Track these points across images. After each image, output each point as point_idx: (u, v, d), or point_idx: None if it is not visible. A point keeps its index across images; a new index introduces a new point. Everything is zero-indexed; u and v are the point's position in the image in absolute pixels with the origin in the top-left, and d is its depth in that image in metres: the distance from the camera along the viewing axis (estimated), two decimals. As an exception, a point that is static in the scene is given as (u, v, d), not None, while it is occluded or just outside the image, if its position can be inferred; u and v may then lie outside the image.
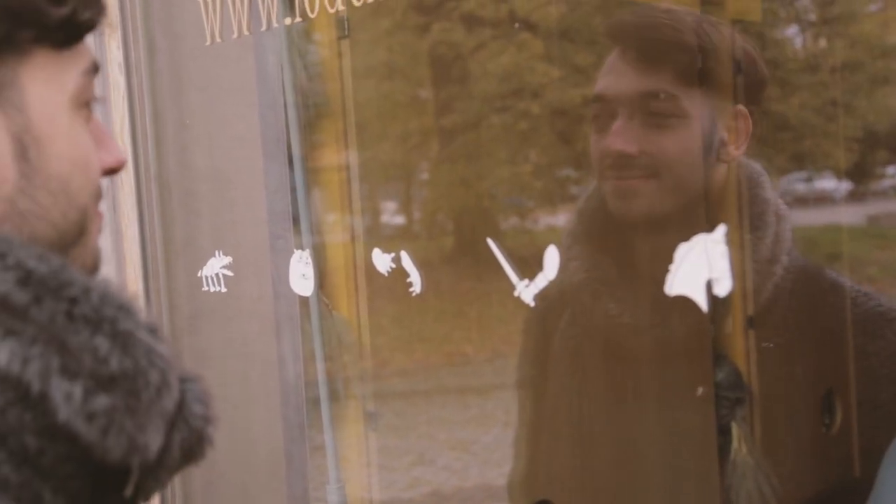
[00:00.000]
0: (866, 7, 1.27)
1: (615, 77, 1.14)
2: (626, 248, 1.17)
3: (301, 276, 1.55)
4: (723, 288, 0.96)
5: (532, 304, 1.16)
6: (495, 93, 1.65)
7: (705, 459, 1.12)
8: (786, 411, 1.14)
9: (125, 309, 0.62)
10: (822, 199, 1.37)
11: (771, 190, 1.11)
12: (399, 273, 1.36)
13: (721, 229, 0.97)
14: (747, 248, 1.12)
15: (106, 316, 0.61)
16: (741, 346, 1.13)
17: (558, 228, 1.28)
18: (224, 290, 1.70)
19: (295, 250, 1.58)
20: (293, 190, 1.72)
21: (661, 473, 1.17)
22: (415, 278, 1.33)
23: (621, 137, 1.11)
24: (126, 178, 1.81)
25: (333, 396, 1.76)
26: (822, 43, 1.35)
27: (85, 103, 0.69)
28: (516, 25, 1.56)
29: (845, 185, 1.23)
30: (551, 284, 1.15)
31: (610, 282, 1.17)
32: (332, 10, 1.36)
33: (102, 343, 0.60)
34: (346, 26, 1.57)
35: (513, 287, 1.19)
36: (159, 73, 1.84)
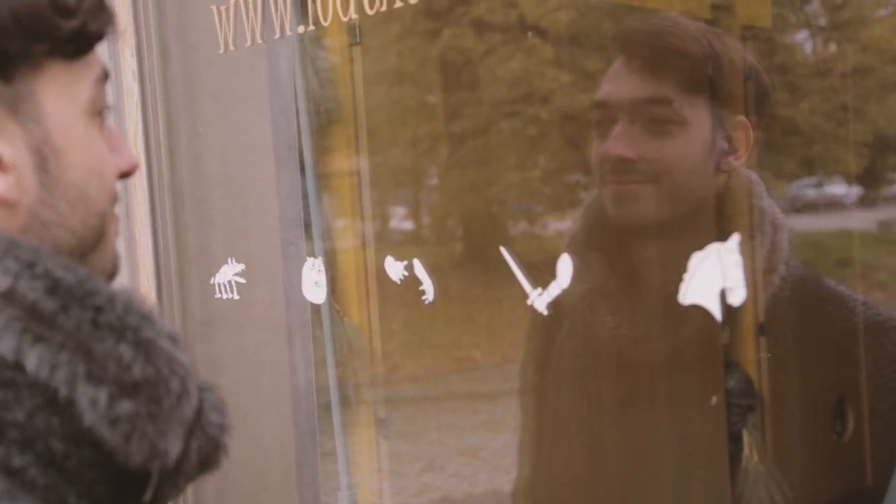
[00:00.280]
0: (877, 12, 1.27)
1: (618, 83, 1.15)
2: (625, 258, 1.18)
3: (314, 283, 1.55)
4: (737, 297, 0.96)
5: (545, 312, 1.17)
6: (505, 98, 1.65)
7: (716, 467, 1.12)
8: (797, 418, 1.14)
9: (147, 318, 0.64)
10: (833, 205, 1.36)
11: (767, 199, 1.11)
12: (410, 279, 1.36)
13: (735, 238, 0.97)
14: (757, 255, 1.13)
15: (129, 324, 0.63)
16: (752, 354, 1.13)
17: (568, 233, 1.28)
18: (236, 297, 1.70)
19: (307, 258, 1.59)
20: (305, 196, 1.73)
21: (672, 481, 1.17)
22: (427, 286, 1.33)
23: (621, 142, 1.11)
24: (139, 185, 1.82)
25: (344, 402, 1.76)
26: (833, 48, 1.34)
27: (98, 111, 0.70)
28: (529, 34, 1.56)
29: (855, 191, 1.23)
30: (563, 293, 1.16)
31: (608, 293, 1.17)
32: (344, 19, 1.36)
33: (126, 351, 0.62)
34: (357, 33, 1.58)
35: (522, 293, 1.19)
36: (173, 82, 1.85)
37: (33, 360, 0.59)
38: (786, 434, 1.14)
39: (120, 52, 1.81)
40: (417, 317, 1.55)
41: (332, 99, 1.75)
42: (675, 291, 1.14)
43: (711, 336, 1.07)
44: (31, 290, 0.60)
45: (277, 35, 1.50)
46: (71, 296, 0.61)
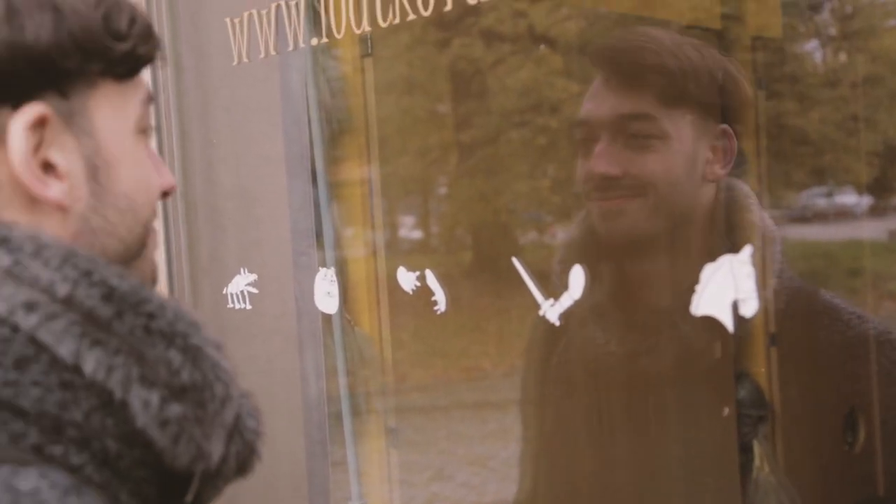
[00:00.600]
0: (887, 21, 1.27)
1: (597, 101, 1.16)
2: (616, 274, 1.18)
3: (326, 293, 1.56)
4: (749, 308, 0.96)
5: (557, 323, 1.17)
6: (514, 108, 1.66)
7: (727, 478, 1.12)
8: (808, 429, 1.14)
9: (195, 325, 0.68)
10: (843, 215, 1.36)
11: (759, 211, 1.11)
12: (421, 289, 1.37)
13: (747, 250, 0.97)
14: (768, 264, 1.13)
15: (179, 331, 0.66)
16: (763, 364, 1.13)
17: (558, 250, 1.29)
18: (249, 307, 1.71)
19: (320, 268, 1.59)
20: (317, 206, 1.73)
21: (683, 492, 1.17)
22: (440, 297, 1.33)
23: (604, 160, 1.12)
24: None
25: (355, 412, 1.76)
26: (843, 58, 1.34)
27: (144, 130, 0.74)
28: (541, 47, 1.57)
29: (866, 200, 1.23)
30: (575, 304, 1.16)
31: (598, 310, 1.17)
32: (358, 31, 1.37)
33: (175, 356, 0.65)
34: (369, 44, 1.59)
35: (531, 302, 1.19)
36: (186, 93, 1.86)
37: (91, 363, 0.62)
38: (797, 445, 1.13)
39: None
40: (427, 326, 1.55)
41: (344, 109, 1.75)
42: (668, 305, 1.14)
43: (722, 347, 1.07)
44: (89, 297, 0.64)
45: (291, 47, 1.51)
46: (125, 303, 0.65)
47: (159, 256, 1.83)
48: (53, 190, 0.68)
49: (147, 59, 0.74)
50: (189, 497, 0.69)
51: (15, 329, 0.62)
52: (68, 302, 0.63)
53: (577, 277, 1.14)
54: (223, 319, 1.79)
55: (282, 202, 1.76)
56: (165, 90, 1.83)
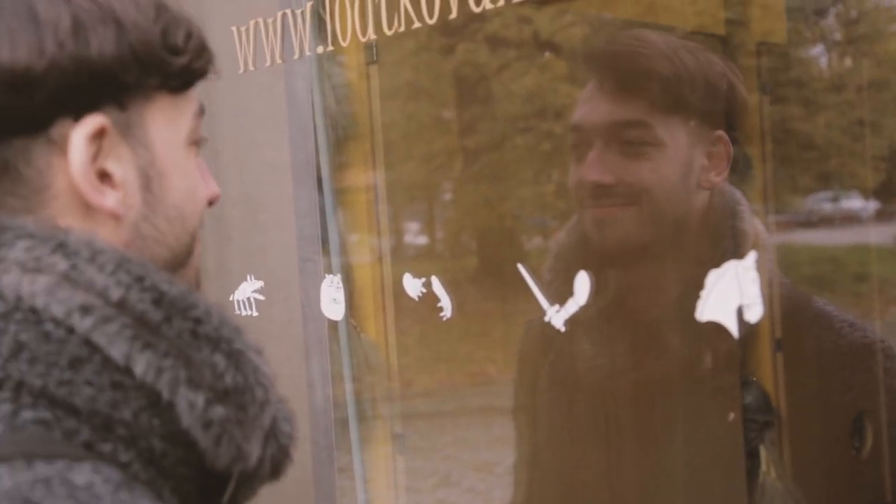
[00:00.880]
0: (892, 26, 1.27)
1: (591, 107, 1.15)
2: (608, 281, 1.17)
3: (332, 300, 1.56)
4: (754, 314, 0.96)
5: (563, 329, 1.17)
6: (519, 113, 1.66)
7: (733, 484, 1.12)
8: (815, 434, 1.14)
9: (238, 331, 0.70)
10: (849, 219, 1.35)
11: (750, 219, 1.10)
12: (426, 295, 1.37)
13: (752, 256, 0.97)
14: (774, 269, 1.12)
15: (223, 336, 0.68)
16: (769, 369, 1.13)
17: (548, 257, 1.28)
18: (255, 314, 1.71)
19: (326, 275, 1.59)
20: (322, 213, 1.74)
21: (689, 498, 1.17)
22: (445, 303, 1.34)
23: (597, 167, 1.11)
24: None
25: (361, 418, 1.76)
26: (848, 62, 1.34)
27: (195, 142, 0.77)
28: (546, 53, 1.57)
29: (873, 205, 1.22)
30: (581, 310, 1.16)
31: (587, 322, 1.17)
32: (363, 39, 1.37)
33: (220, 360, 0.67)
34: (374, 52, 1.59)
35: (536, 308, 1.19)
36: (191, 100, 1.86)
37: (141, 364, 0.65)
38: (803, 450, 1.13)
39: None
40: (432, 332, 1.55)
41: (349, 116, 1.76)
42: (661, 312, 1.14)
43: (727, 353, 1.06)
44: (140, 302, 0.66)
45: (297, 55, 1.51)
46: (174, 308, 0.67)
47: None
48: (109, 199, 0.70)
49: (201, 74, 0.76)
50: (226, 497, 0.71)
51: (70, 331, 0.64)
52: (121, 306, 0.65)
53: (583, 283, 1.13)
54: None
55: (287, 209, 1.77)
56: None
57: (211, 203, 0.81)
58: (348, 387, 1.77)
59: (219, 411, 0.66)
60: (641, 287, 1.17)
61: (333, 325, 1.70)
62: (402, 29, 1.30)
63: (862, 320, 1.11)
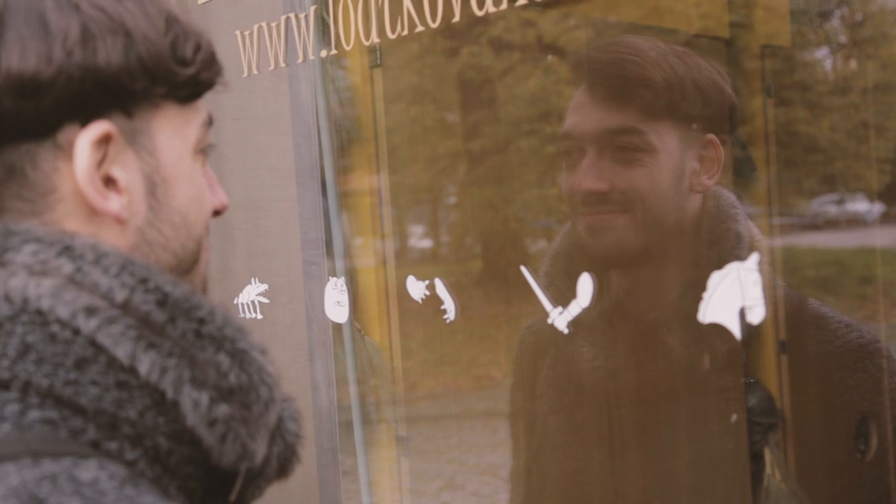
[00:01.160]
0: (897, 29, 1.26)
1: (582, 114, 1.15)
2: (607, 287, 1.17)
3: (336, 303, 1.56)
4: (756, 315, 0.96)
5: (566, 331, 1.17)
6: (523, 117, 1.66)
7: (738, 486, 1.11)
8: (819, 437, 1.13)
9: (242, 330, 0.71)
10: (854, 222, 1.35)
11: (745, 221, 1.10)
12: (430, 298, 1.37)
13: (754, 257, 0.97)
14: (777, 271, 1.12)
15: (227, 336, 0.69)
16: (773, 371, 1.12)
17: (544, 261, 1.28)
18: (259, 317, 1.71)
19: (330, 278, 1.60)
20: (326, 216, 1.74)
21: (693, 500, 1.16)
22: (449, 305, 1.34)
23: (590, 175, 1.11)
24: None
25: (365, 421, 1.76)
26: (853, 65, 1.34)
27: (202, 150, 0.78)
28: (549, 57, 1.57)
29: (877, 208, 1.22)
30: (584, 312, 1.15)
31: (585, 325, 1.17)
32: (366, 42, 1.38)
33: (224, 359, 0.68)
34: (378, 55, 1.60)
35: (541, 310, 1.19)
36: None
37: (146, 364, 0.66)
38: (808, 452, 1.13)
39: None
40: (437, 335, 1.55)
41: (353, 119, 1.76)
42: (656, 316, 1.13)
43: (730, 354, 1.06)
44: (145, 303, 0.67)
45: (300, 59, 1.51)
46: (178, 308, 0.68)
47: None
48: (113, 203, 0.71)
49: (209, 85, 0.78)
50: (232, 496, 0.72)
51: (76, 332, 0.66)
52: (126, 307, 0.67)
53: (586, 285, 1.13)
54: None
55: (291, 212, 1.77)
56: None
57: (218, 212, 0.82)
58: (352, 390, 1.77)
59: (223, 409, 0.67)
60: (639, 290, 1.17)
61: (337, 328, 1.70)
62: (406, 32, 1.30)
63: (859, 321, 1.11)
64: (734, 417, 1.10)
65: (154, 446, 0.66)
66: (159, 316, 0.67)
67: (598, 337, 1.17)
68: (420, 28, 1.28)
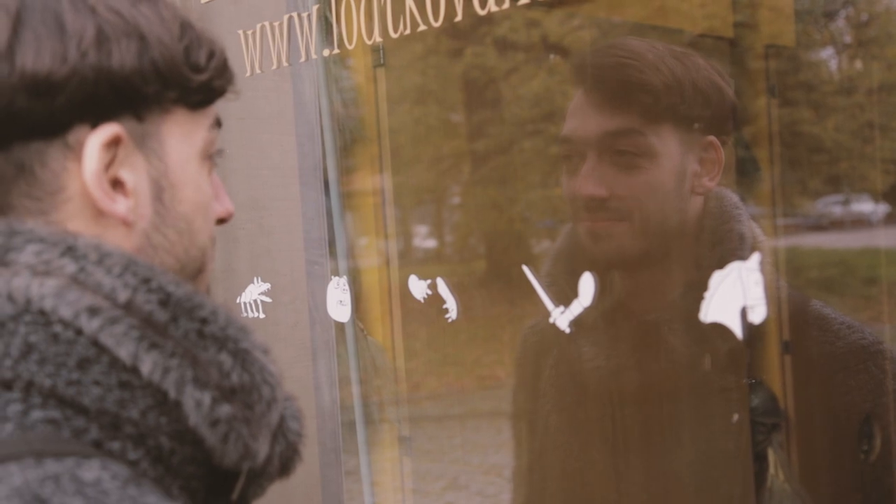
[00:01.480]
0: (902, 29, 1.26)
1: (581, 119, 1.14)
2: (605, 287, 1.17)
3: (338, 302, 1.56)
4: (758, 315, 0.96)
5: (568, 330, 1.17)
6: (527, 117, 1.65)
7: (741, 486, 1.11)
8: (823, 437, 1.13)
9: (244, 330, 0.71)
10: (859, 222, 1.35)
11: (748, 222, 1.10)
12: (433, 297, 1.37)
13: (755, 257, 0.97)
14: (781, 271, 1.12)
15: (230, 335, 0.70)
16: (777, 372, 1.12)
17: (547, 260, 1.28)
18: (262, 316, 1.72)
19: (332, 277, 1.60)
20: (329, 216, 1.74)
21: (697, 501, 1.16)
22: (451, 304, 1.34)
23: (590, 181, 1.11)
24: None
25: (368, 420, 1.76)
26: (858, 65, 1.34)
27: (209, 156, 0.78)
28: (552, 56, 1.57)
29: (882, 208, 1.22)
30: (586, 311, 1.15)
31: (587, 324, 1.17)
32: (369, 42, 1.38)
33: (226, 359, 0.69)
34: (381, 55, 1.60)
35: (544, 311, 1.19)
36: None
37: (148, 364, 0.66)
38: (811, 452, 1.13)
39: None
40: (440, 335, 1.55)
41: (356, 119, 1.76)
42: (658, 317, 1.13)
43: (732, 354, 1.06)
44: (147, 303, 0.68)
45: (303, 58, 1.52)
46: (180, 308, 0.69)
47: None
48: (120, 206, 0.72)
49: (220, 92, 0.78)
50: (234, 495, 0.72)
51: (78, 332, 0.66)
52: (128, 307, 0.67)
53: (587, 284, 1.13)
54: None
55: (294, 212, 1.77)
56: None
57: (223, 220, 0.82)
58: (355, 389, 1.77)
59: (225, 409, 0.67)
60: (641, 290, 1.17)
61: (340, 327, 1.70)
62: (408, 32, 1.30)
63: (861, 323, 1.11)
64: (735, 417, 1.10)
65: (156, 446, 0.67)
66: (162, 316, 0.68)
67: (600, 336, 1.17)
68: (423, 27, 1.28)
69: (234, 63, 1.80)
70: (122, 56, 0.70)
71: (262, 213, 1.86)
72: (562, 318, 1.17)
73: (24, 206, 0.71)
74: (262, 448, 0.70)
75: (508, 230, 1.76)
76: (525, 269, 1.22)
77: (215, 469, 0.70)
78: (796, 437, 1.13)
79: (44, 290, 0.66)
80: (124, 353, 0.66)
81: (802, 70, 1.31)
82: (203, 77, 0.74)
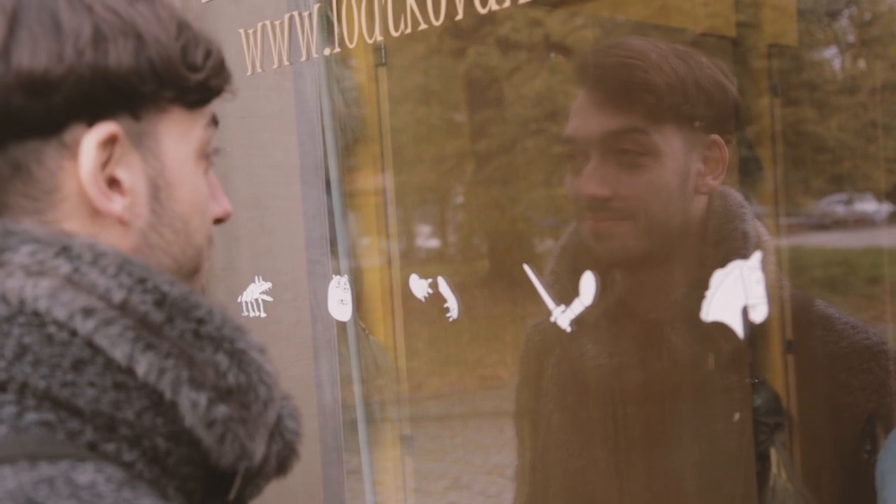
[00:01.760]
0: (906, 28, 1.26)
1: (584, 118, 1.14)
2: (611, 286, 1.17)
3: (339, 301, 1.57)
4: (759, 314, 0.95)
5: (569, 329, 1.16)
6: (530, 116, 1.65)
7: (744, 486, 1.11)
8: (825, 437, 1.13)
9: (240, 330, 0.71)
10: (862, 222, 1.35)
11: (752, 221, 1.10)
12: (435, 297, 1.37)
13: (757, 256, 0.97)
14: (785, 270, 1.12)
15: (226, 336, 0.69)
16: (780, 371, 1.12)
17: (550, 258, 1.28)
18: (263, 315, 1.72)
19: (333, 276, 1.60)
20: (330, 215, 1.74)
21: (699, 500, 1.16)
22: (452, 304, 1.34)
23: (594, 180, 1.11)
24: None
25: (370, 420, 1.76)
26: (861, 64, 1.34)
27: (206, 155, 0.78)
28: (553, 55, 1.57)
29: (886, 207, 1.22)
30: (587, 310, 1.15)
31: (589, 323, 1.16)
32: (370, 41, 1.38)
33: (223, 359, 0.68)
34: (383, 54, 1.60)
35: (547, 311, 1.19)
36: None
37: (144, 365, 0.65)
38: (814, 452, 1.13)
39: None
40: (442, 334, 1.55)
41: (358, 118, 1.77)
42: (661, 316, 1.13)
43: (734, 353, 1.06)
44: (142, 303, 0.67)
45: (304, 57, 1.52)
46: (176, 308, 0.68)
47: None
48: (116, 205, 0.71)
49: (217, 92, 0.78)
50: (231, 495, 0.72)
51: (73, 333, 0.65)
52: (123, 308, 0.66)
53: (588, 283, 1.13)
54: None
55: (296, 211, 1.77)
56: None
57: (221, 220, 0.81)
58: (357, 388, 1.77)
59: (222, 410, 0.67)
60: (644, 289, 1.17)
61: (342, 326, 1.70)
62: (409, 31, 1.30)
63: (865, 323, 1.10)
64: (738, 416, 1.10)
65: (152, 447, 0.66)
66: (157, 316, 0.67)
67: (603, 335, 1.17)
68: (423, 26, 1.28)
69: (235, 62, 1.81)
70: (119, 55, 0.69)
71: (263, 211, 1.86)
72: (563, 317, 1.17)
73: (20, 205, 0.71)
74: (258, 448, 0.70)
75: (511, 230, 1.76)
76: (526, 268, 1.22)
77: (212, 469, 0.70)
78: (799, 437, 1.13)
79: (38, 291, 0.65)
80: (119, 354, 0.65)
81: (805, 69, 1.31)
82: (200, 76, 0.74)
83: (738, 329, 0.96)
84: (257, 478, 0.73)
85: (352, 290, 1.56)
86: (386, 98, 1.64)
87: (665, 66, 1.08)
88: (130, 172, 0.72)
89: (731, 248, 1.06)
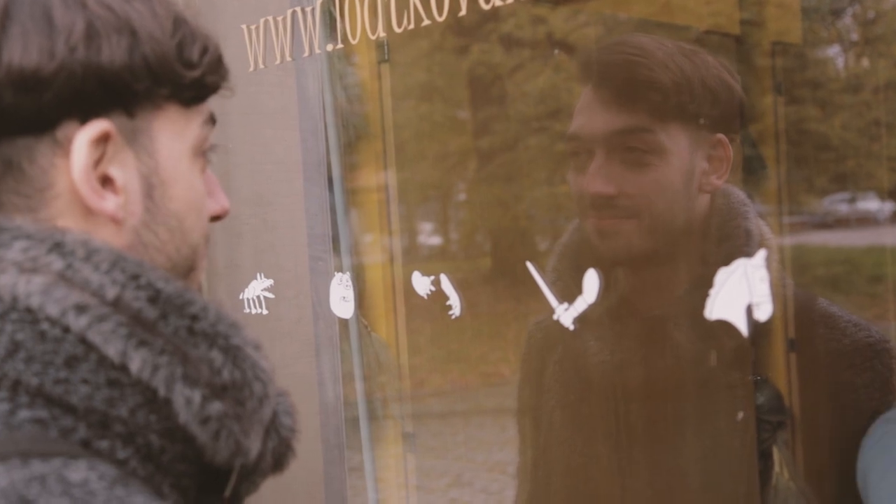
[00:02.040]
0: (910, 26, 1.26)
1: (589, 116, 1.13)
2: (614, 283, 1.17)
3: (341, 298, 1.56)
4: (763, 312, 0.95)
5: (571, 328, 1.16)
6: (532, 114, 1.65)
7: (746, 484, 1.11)
8: (828, 436, 1.13)
9: (235, 326, 0.70)
10: (865, 220, 1.35)
11: (755, 220, 1.10)
12: (437, 294, 1.37)
13: (761, 254, 0.96)
14: (787, 269, 1.12)
15: (220, 332, 0.69)
16: (783, 369, 1.12)
17: (553, 255, 1.28)
18: (265, 312, 1.72)
19: (335, 273, 1.60)
20: (333, 212, 1.74)
21: (701, 498, 1.16)
22: (454, 301, 1.34)
23: (599, 178, 1.10)
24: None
25: (372, 417, 1.77)
26: (865, 63, 1.33)
27: (202, 152, 0.77)
28: (556, 52, 1.57)
29: (889, 206, 1.22)
30: (590, 308, 1.15)
31: (592, 320, 1.16)
32: (373, 37, 1.38)
33: (217, 356, 0.68)
34: (386, 50, 1.60)
35: (549, 308, 1.19)
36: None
37: (137, 362, 0.65)
38: (817, 451, 1.12)
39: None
40: (444, 331, 1.55)
41: (360, 115, 1.76)
42: (664, 314, 1.13)
43: (737, 352, 1.06)
44: (136, 300, 0.67)
45: (306, 53, 1.52)
46: (170, 305, 0.68)
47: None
48: (109, 203, 0.70)
49: (214, 88, 0.77)
50: (227, 492, 0.72)
51: (66, 330, 0.65)
52: (116, 304, 0.66)
53: (592, 281, 1.13)
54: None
55: (298, 207, 1.77)
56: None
57: (219, 217, 0.81)
58: (359, 386, 1.77)
59: (216, 407, 0.67)
60: (647, 287, 1.17)
61: (344, 323, 1.70)
62: (412, 27, 1.30)
63: (868, 321, 1.10)
64: (740, 415, 1.09)
65: (146, 444, 0.66)
66: (151, 313, 0.67)
67: (605, 332, 1.16)
68: (426, 22, 1.28)
69: (237, 58, 1.81)
70: (112, 52, 0.69)
71: (265, 208, 1.86)
72: (566, 314, 1.17)
73: (11, 202, 0.70)
74: (254, 445, 0.70)
75: (514, 227, 1.76)
76: (529, 265, 1.22)
77: (207, 466, 0.69)
78: (802, 436, 1.12)
79: (30, 288, 0.65)
80: (112, 350, 0.65)
81: (809, 67, 1.30)
82: (196, 73, 0.73)
83: (742, 327, 0.96)
84: (253, 475, 0.73)
85: (354, 287, 1.56)
86: (389, 94, 1.64)
87: (671, 65, 1.08)
88: (124, 170, 0.71)
89: (734, 246, 1.06)
